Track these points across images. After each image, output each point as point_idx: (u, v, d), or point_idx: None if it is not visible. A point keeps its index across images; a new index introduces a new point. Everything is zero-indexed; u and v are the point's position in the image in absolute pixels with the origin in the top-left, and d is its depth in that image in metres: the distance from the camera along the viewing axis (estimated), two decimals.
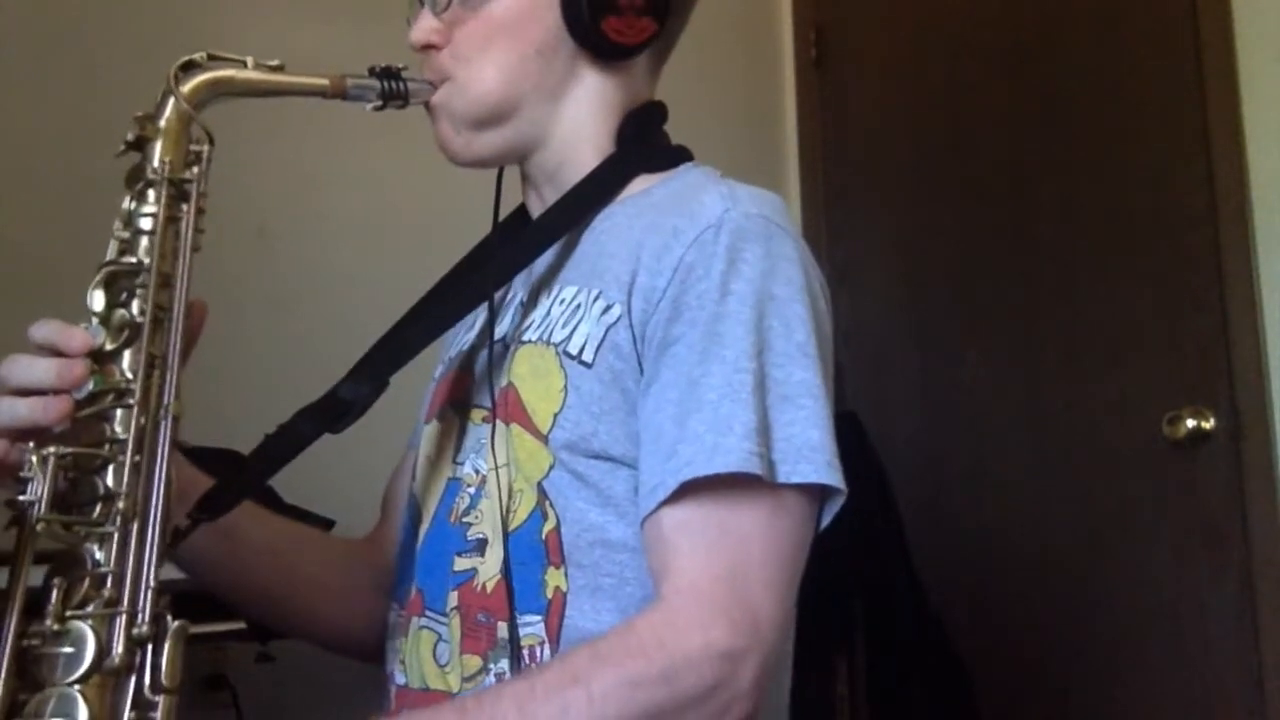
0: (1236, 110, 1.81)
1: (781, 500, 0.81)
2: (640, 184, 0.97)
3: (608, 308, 0.88)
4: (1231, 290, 1.80)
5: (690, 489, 0.79)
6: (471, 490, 0.92)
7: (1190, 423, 1.81)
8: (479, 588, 0.88)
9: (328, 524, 1.44)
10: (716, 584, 0.78)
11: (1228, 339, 1.80)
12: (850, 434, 1.69)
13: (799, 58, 2.59)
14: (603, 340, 0.86)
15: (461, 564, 0.90)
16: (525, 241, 0.97)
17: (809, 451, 0.81)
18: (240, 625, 1.28)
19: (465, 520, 0.91)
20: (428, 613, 0.91)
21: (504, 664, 0.85)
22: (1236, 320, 1.79)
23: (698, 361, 0.82)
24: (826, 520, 0.85)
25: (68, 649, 0.71)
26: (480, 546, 0.89)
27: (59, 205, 1.67)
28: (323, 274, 1.95)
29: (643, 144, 0.99)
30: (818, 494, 0.83)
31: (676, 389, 0.82)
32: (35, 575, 0.74)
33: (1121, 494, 1.92)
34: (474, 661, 0.86)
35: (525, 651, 0.84)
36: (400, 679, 0.93)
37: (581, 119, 0.97)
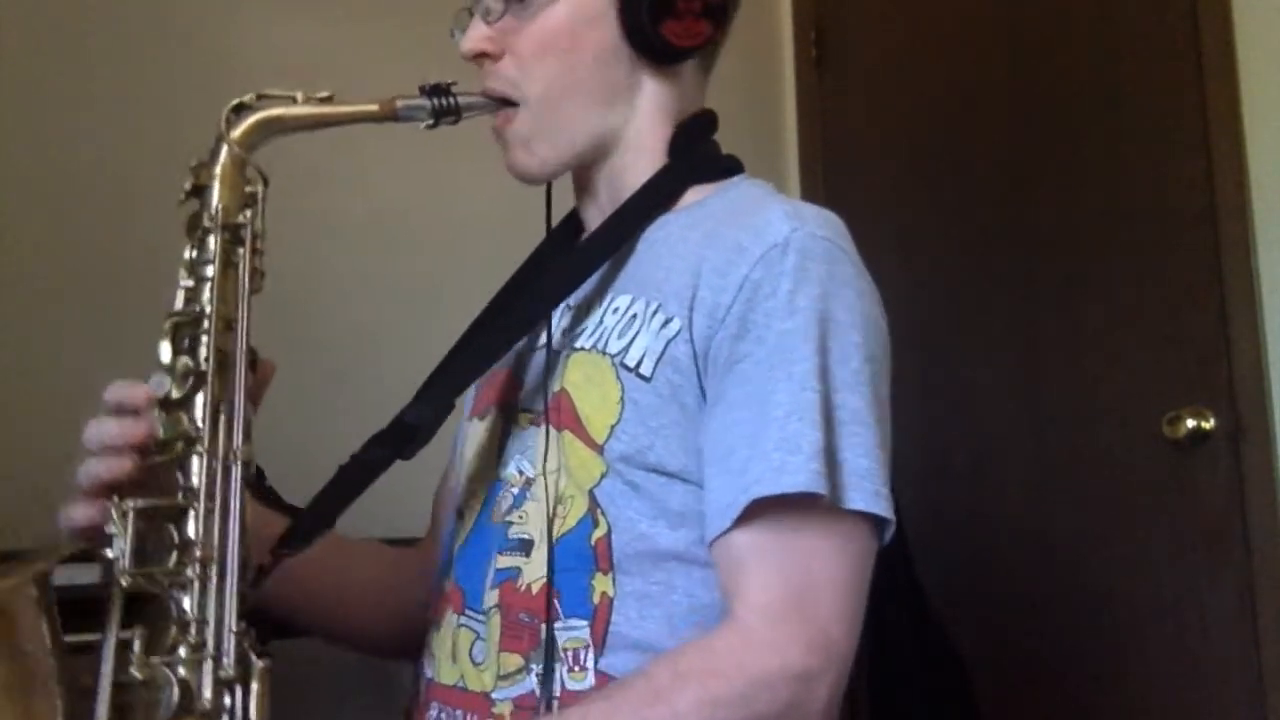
0: (1236, 110, 1.82)
1: (844, 525, 0.83)
2: (694, 194, 0.98)
3: (667, 321, 0.88)
4: (1231, 290, 1.80)
5: (759, 509, 0.80)
6: (515, 491, 0.93)
7: (1190, 423, 1.81)
8: (523, 588, 0.88)
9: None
10: (789, 605, 0.80)
11: (1228, 339, 1.80)
12: None
13: (799, 58, 2.59)
14: (662, 354, 0.87)
15: (504, 562, 0.91)
16: (584, 256, 0.97)
17: (857, 479, 0.83)
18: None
19: (508, 519, 0.92)
20: (468, 611, 0.92)
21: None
22: (1236, 320, 1.79)
23: (766, 378, 0.83)
24: (883, 545, 0.86)
25: (159, 695, 0.73)
26: (525, 546, 0.90)
27: (63, 201, 1.68)
28: (323, 274, 1.95)
29: (694, 154, 1.00)
30: (875, 521, 0.84)
31: (746, 407, 0.83)
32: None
33: (1121, 494, 1.92)
34: (514, 660, 0.87)
35: (569, 654, 0.85)
36: (429, 672, 0.94)
37: (642, 127, 0.98)
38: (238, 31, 1.91)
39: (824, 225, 0.90)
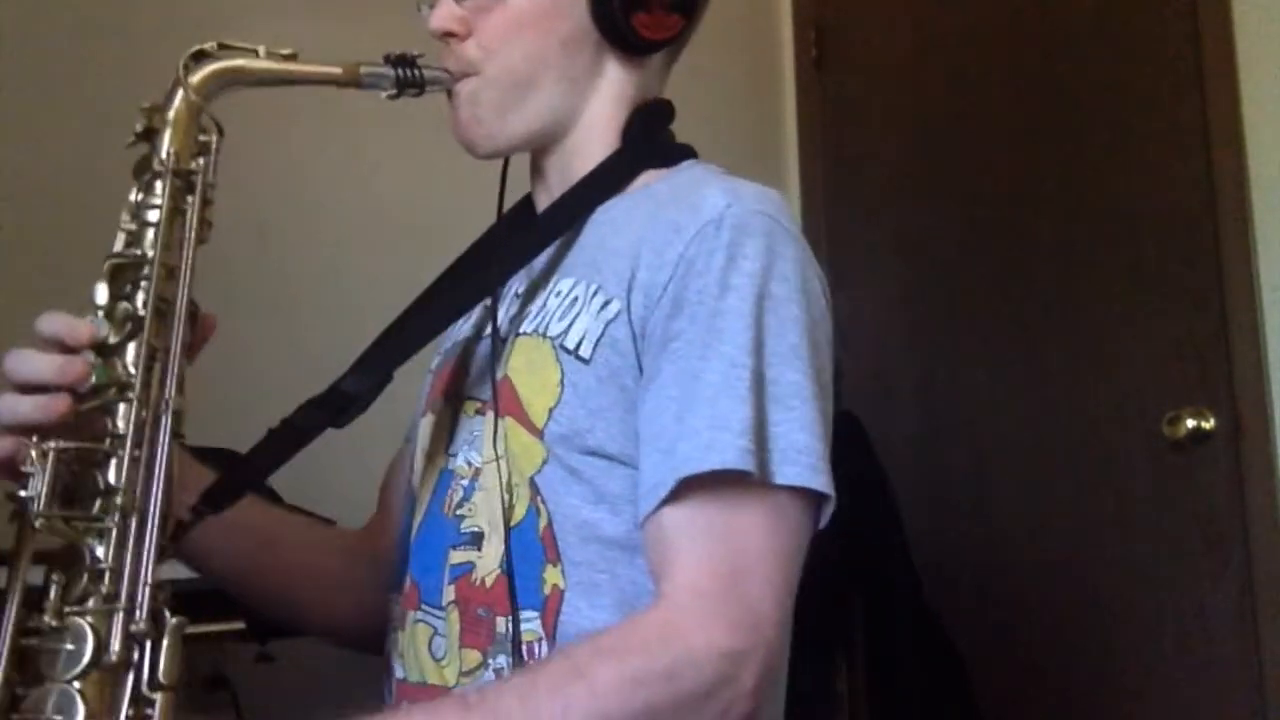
0: (1236, 110, 1.82)
1: (778, 501, 0.81)
2: (644, 179, 0.97)
3: (606, 303, 0.87)
4: (1231, 290, 1.80)
5: (689, 487, 0.79)
6: (465, 483, 0.92)
7: (1190, 423, 1.81)
8: (477, 582, 0.88)
9: (327, 524, 1.45)
10: (717, 583, 0.78)
11: (1228, 339, 1.80)
12: (850, 434, 1.69)
13: (799, 58, 2.59)
14: (601, 336, 0.86)
15: (457, 557, 0.90)
16: (530, 237, 0.97)
17: (794, 454, 0.81)
18: (240, 625, 1.28)
19: (459, 513, 0.91)
20: (424, 606, 0.91)
21: (503, 659, 0.85)
22: (1236, 320, 1.79)
23: (697, 356, 0.82)
24: (823, 523, 0.85)
25: (67, 645, 0.71)
26: (476, 540, 0.89)
27: (64, 197, 1.67)
28: (323, 274, 1.95)
29: (648, 140, 0.99)
30: (814, 497, 0.83)
31: (677, 385, 0.82)
32: (35, 572, 0.74)
33: (1121, 494, 1.92)
34: (473, 656, 0.86)
35: (524, 647, 0.84)
36: (399, 672, 0.93)
37: (600, 113, 0.97)
38: (242, 32, 1.91)
39: (761, 200, 0.89)
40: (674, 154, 1.00)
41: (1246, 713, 1.74)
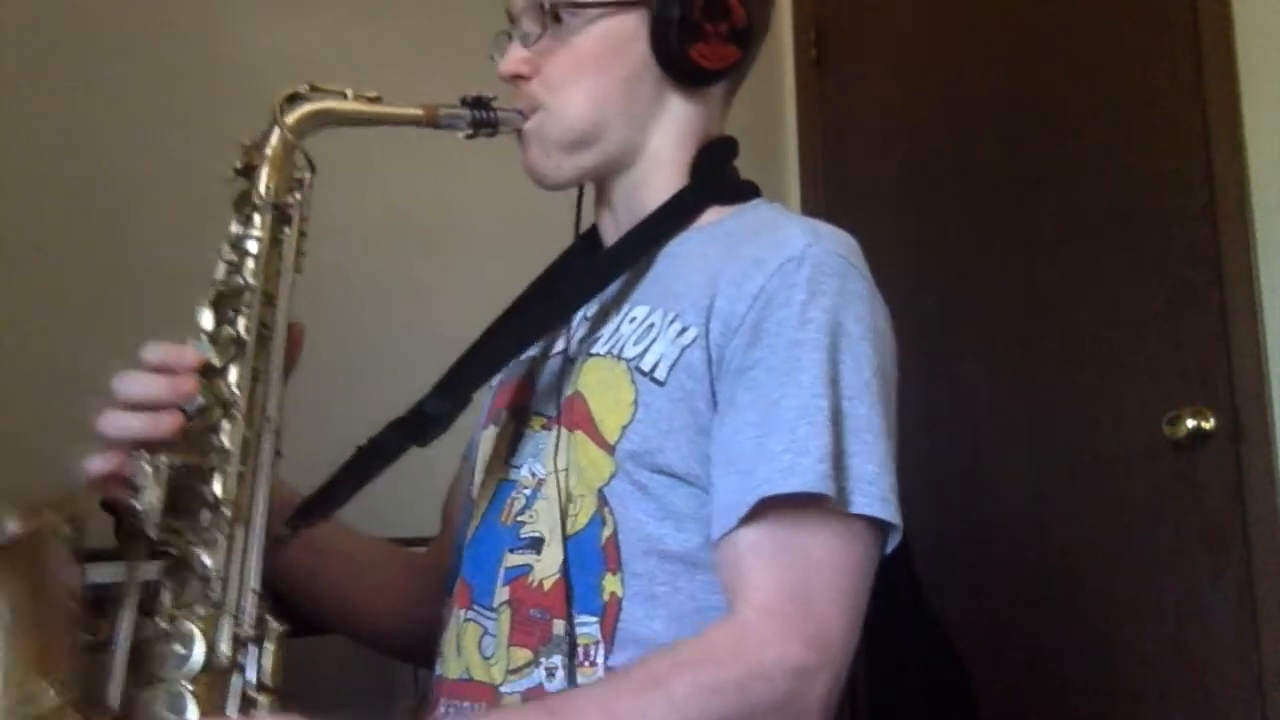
0: (1237, 110, 1.82)
1: (850, 527, 0.84)
2: (712, 215, 1.00)
3: (684, 329, 0.90)
4: (1231, 290, 1.80)
5: (766, 508, 0.82)
6: (527, 492, 0.94)
7: (1190, 423, 1.81)
8: (534, 584, 0.90)
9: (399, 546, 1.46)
10: (790, 603, 0.81)
11: (1228, 339, 1.80)
12: None
13: (799, 58, 2.59)
14: (677, 360, 0.89)
15: (514, 560, 0.92)
16: (601, 267, 1.00)
17: (865, 484, 0.84)
18: None
19: (519, 520, 0.93)
20: (475, 606, 0.94)
21: (556, 659, 0.87)
22: (1236, 320, 1.79)
23: (776, 385, 0.85)
24: (889, 550, 0.88)
25: (178, 647, 0.75)
26: (535, 544, 0.91)
27: (63, 199, 1.68)
28: (323, 274, 1.95)
29: (716, 176, 1.03)
30: (880, 527, 0.86)
31: (755, 411, 0.85)
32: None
33: (1121, 494, 1.92)
34: (523, 654, 0.88)
35: (580, 650, 0.86)
36: (439, 669, 0.96)
37: (664, 145, 1.01)
38: (242, 33, 1.91)
39: (839, 243, 0.93)
40: (742, 191, 1.04)
41: (1246, 713, 1.74)
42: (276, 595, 1.02)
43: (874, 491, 0.84)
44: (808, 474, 0.81)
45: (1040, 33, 2.14)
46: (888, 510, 0.84)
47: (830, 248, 0.91)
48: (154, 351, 0.80)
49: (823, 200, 2.50)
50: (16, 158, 1.69)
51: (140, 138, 1.69)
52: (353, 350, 1.79)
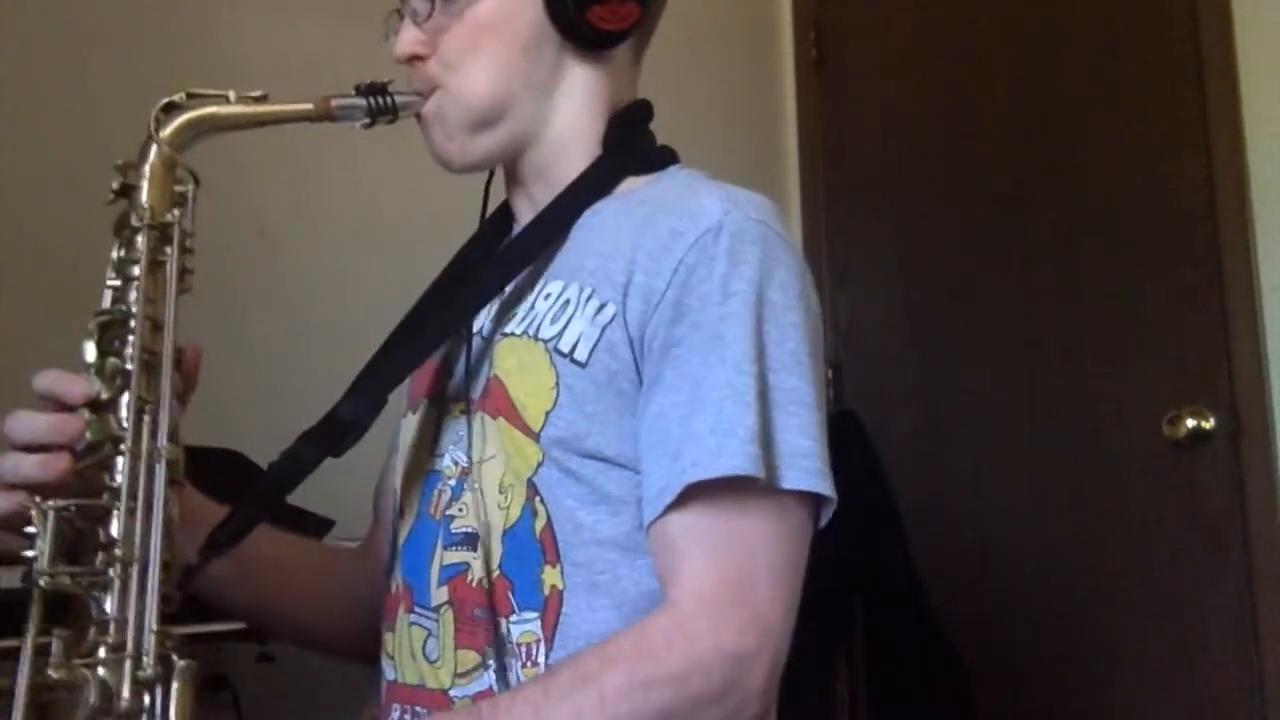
0: (1236, 110, 1.82)
1: (783, 505, 0.82)
2: (628, 184, 0.97)
3: (601, 307, 0.87)
4: (1231, 290, 1.80)
5: (695, 492, 0.80)
6: (452, 483, 0.92)
7: (1190, 423, 1.81)
8: (473, 583, 0.88)
9: (327, 524, 1.45)
10: (724, 588, 0.79)
11: (1228, 339, 1.80)
12: (849, 432, 1.69)
13: (799, 58, 2.59)
14: (598, 341, 0.86)
15: (451, 557, 0.90)
16: (517, 250, 0.97)
17: (798, 458, 0.82)
18: (240, 625, 1.28)
19: (449, 513, 0.91)
20: (416, 609, 0.91)
21: (507, 660, 0.85)
22: (1236, 320, 1.79)
23: (701, 362, 0.83)
24: (822, 523, 0.85)
25: (78, 695, 0.72)
26: (469, 540, 0.89)
27: (61, 203, 1.68)
28: (323, 274, 1.95)
29: (630, 145, 0.99)
30: (814, 500, 0.84)
31: (681, 390, 0.83)
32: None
33: (1121, 494, 1.92)
34: (470, 657, 0.86)
35: (523, 649, 0.84)
36: (390, 674, 0.93)
37: (572, 115, 0.97)
38: (238, 32, 1.91)
39: (757, 208, 0.89)
40: (658, 159, 1.00)
41: (1246, 713, 1.74)
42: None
43: (805, 465, 0.82)
44: (735, 456, 0.79)
45: (1040, 33, 2.13)
46: (823, 484, 0.82)
47: (749, 214, 0.87)
48: (42, 380, 0.78)
49: (823, 200, 2.50)
50: (17, 157, 1.69)
51: (141, 138, 1.69)
52: (347, 350, 1.79)
